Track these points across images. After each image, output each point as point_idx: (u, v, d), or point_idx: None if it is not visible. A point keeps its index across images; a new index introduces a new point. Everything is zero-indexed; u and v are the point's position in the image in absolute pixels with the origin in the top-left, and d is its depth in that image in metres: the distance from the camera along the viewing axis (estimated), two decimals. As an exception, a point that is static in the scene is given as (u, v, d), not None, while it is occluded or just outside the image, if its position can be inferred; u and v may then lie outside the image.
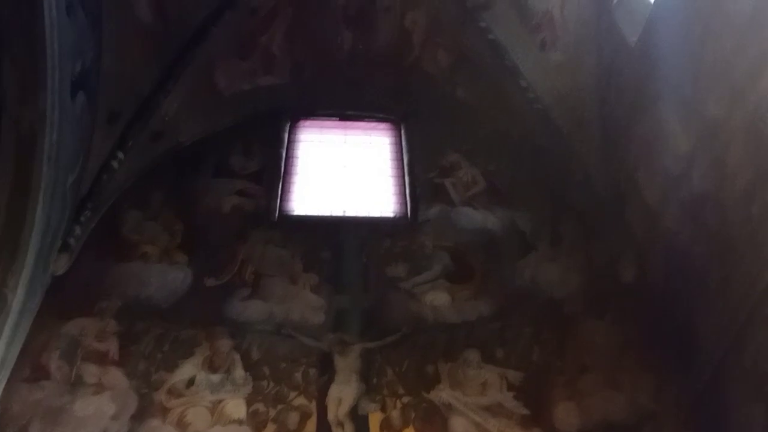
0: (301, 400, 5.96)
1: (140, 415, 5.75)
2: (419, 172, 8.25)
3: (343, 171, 8.48)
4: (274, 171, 8.21)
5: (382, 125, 9.04)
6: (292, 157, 8.55)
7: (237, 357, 6.23)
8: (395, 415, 5.91)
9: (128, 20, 7.34)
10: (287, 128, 8.77)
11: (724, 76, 5.15)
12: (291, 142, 8.69)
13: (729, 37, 5.05)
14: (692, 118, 5.69)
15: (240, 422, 5.79)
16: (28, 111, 5.99)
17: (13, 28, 5.83)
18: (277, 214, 7.76)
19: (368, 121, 9.06)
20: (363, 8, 8.53)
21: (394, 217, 7.94)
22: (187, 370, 6.12)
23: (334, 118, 9.07)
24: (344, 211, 7.91)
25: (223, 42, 8.07)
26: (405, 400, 6.00)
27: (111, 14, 7.20)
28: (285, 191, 8.08)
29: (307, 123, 8.98)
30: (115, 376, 6.01)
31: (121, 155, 7.40)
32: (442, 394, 6.05)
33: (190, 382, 6.03)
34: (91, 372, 6.00)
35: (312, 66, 8.86)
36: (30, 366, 5.93)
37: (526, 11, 7.78)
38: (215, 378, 6.07)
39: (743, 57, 4.87)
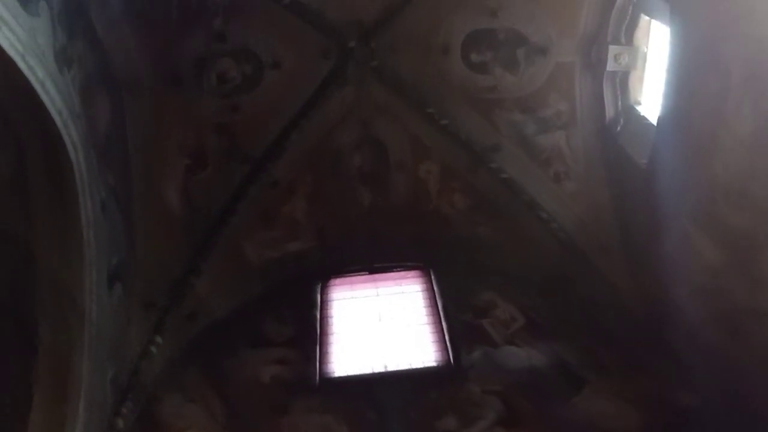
0: None
1: None
2: (455, 316, 8.18)
3: (379, 325, 8.41)
4: (310, 334, 8.19)
5: (411, 273, 9.08)
6: (327, 318, 8.54)
7: None
8: None
9: (158, 209, 7.83)
10: (318, 289, 8.86)
11: (740, 187, 5.17)
12: (324, 302, 8.73)
13: (737, 149, 5.13)
14: (717, 231, 5.65)
15: None
16: (66, 312, 6.16)
17: (47, 234, 6.15)
18: (317, 379, 7.63)
19: (397, 271, 9.12)
20: (377, 166, 8.90)
21: (437, 366, 7.74)
22: None
23: (363, 273, 9.16)
24: (385, 366, 7.75)
25: (249, 216, 8.41)
26: None
27: (142, 205, 7.69)
28: (323, 353, 8.00)
29: (338, 281, 9.07)
30: None
31: (159, 339, 7.49)
32: None
33: None
34: None
35: (336, 226, 9.10)
36: None
37: (534, 148, 8.11)
38: None
39: (755, 169, 4.92)
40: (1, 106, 5.64)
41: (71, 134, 5.98)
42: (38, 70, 5.53)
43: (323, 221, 9.05)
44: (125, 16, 7.09)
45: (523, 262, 8.40)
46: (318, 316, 8.45)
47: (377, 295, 8.87)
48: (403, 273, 9.09)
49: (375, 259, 9.16)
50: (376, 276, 9.09)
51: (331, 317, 8.57)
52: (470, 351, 7.69)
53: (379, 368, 7.73)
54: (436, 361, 7.81)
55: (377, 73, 8.32)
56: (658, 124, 6.50)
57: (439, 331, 8.10)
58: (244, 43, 8.07)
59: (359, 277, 9.12)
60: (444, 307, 8.33)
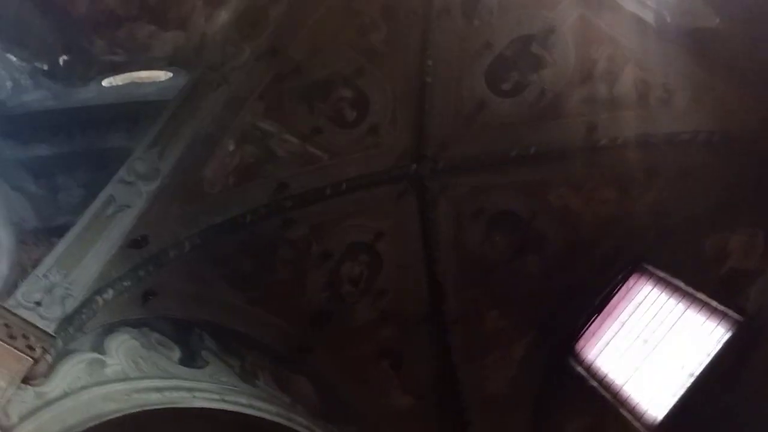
0: None
1: None
2: (702, 281, 7.37)
3: (649, 346, 7.72)
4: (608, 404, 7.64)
5: (632, 281, 8.34)
6: (602, 379, 7.92)
7: None
8: None
9: (398, 420, 8.00)
10: (574, 363, 8.40)
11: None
12: (589, 369, 8.18)
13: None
14: None
15: None
16: None
17: None
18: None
19: (619, 291, 8.44)
20: (518, 232, 8.76)
21: (735, 334, 6.85)
22: None
23: (594, 317, 8.54)
24: (692, 374, 7.02)
25: (468, 362, 8.49)
26: None
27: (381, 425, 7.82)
28: (631, 410, 7.39)
29: (581, 342, 8.51)
30: None
31: None
32: None
33: None
34: None
35: (532, 307, 8.82)
36: None
37: (620, 100, 7.73)
38: None
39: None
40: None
41: (299, 421, 6.36)
42: (241, 398, 6.04)
43: (520, 313, 8.85)
44: (251, 304, 7.75)
45: (710, 189, 7.59)
46: (597, 385, 7.94)
47: (622, 324, 8.29)
48: (625, 288, 8.46)
49: (592, 298, 8.67)
50: (607, 309, 8.52)
51: (605, 375, 8.02)
52: (747, 298, 6.89)
53: (688, 382, 7.04)
54: (728, 330, 7.01)
55: (450, 170, 8.52)
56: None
57: (704, 305, 7.33)
58: (343, 243, 8.53)
59: (595, 324, 8.57)
60: (685, 282, 7.63)
